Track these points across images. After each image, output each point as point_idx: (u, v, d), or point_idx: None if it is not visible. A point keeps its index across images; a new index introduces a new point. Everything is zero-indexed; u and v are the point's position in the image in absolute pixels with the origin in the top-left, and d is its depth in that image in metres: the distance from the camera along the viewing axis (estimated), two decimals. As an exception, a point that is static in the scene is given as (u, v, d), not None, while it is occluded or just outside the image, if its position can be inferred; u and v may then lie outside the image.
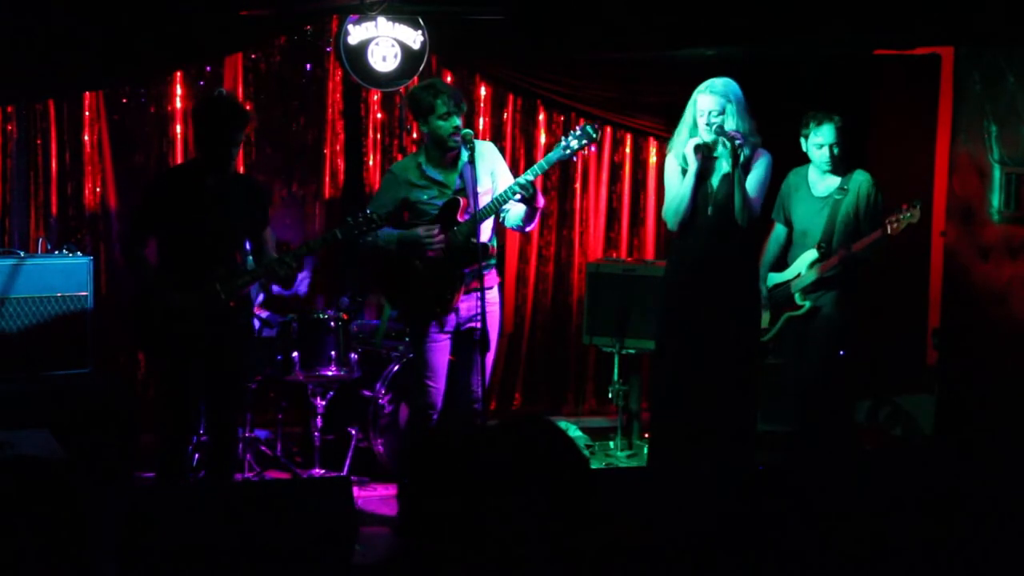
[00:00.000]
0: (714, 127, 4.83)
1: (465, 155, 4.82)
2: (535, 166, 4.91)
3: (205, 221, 4.68)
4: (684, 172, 4.96)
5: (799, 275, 5.30)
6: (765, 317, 5.43)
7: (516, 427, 1.97)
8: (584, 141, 4.87)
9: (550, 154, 4.94)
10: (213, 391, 4.79)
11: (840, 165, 5.26)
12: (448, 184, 4.95)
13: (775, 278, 5.42)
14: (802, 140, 5.32)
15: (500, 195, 4.82)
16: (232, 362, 4.79)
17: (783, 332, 5.39)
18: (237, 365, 4.85)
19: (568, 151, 4.87)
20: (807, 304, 5.28)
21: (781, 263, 5.45)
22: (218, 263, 4.72)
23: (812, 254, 5.25)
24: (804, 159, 5.40)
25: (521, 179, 4.81)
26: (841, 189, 5.26)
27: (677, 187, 4.97)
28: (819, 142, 5.23)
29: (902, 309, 6.89)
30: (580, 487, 1.88)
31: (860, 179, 5.28)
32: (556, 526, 1.84)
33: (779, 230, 5.48)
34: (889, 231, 5.14)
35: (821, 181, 5.34)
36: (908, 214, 5.13)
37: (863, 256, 5.21)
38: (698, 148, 4.89)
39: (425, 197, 4.95)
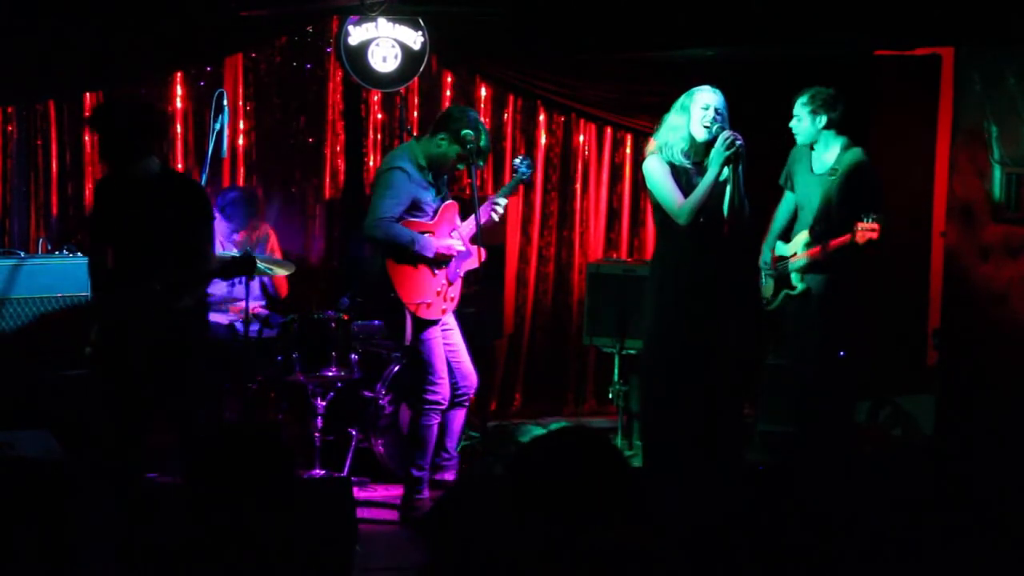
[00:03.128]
0: (715, 126, 4.81)
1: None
2: (504, 190, 5.47)
3: (135, 225, 4.49)
4: (674, 167, 4.92)
5: (795, 254, 5.32)
6: (769, 286, 5.45)
7: (561, 436, 2.00)
8: (527, 172, 5.48)
9: (508, 184, 5.53)
10: (165, 406, 4.58)
11: (821, 140, 5.27)
12: (440, 188, 5.25)
13: (780, 249, 5.42)
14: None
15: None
16: (176, 375, 4.55)
17: (779, 312, 5.41)
18: (182, 378, 4.59)
19: (524, 177, 5.49)
20: (800, 286, 5.31)
21: (790, 230, 5.47)
22: (154, 267, 4.48)
23: (807, 236, 5.27)
24: None
25: (503, 199, 5.35)
26: (832, 170, 5.26)
27: (673, 186, 4.91)
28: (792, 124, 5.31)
29: (902, 309, 6.89)
30: (626, 491, 1.91)
31: (847, 160, 5.22)
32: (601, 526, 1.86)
33: (788, 197, 5.47)
34: (856, 239, 5.00)
35: (819, 158, 5.33)
36: (862, 227, 4.99)
37: (839, 255, 5.16)
38: (728, 140, 4.73)
39: (428, 198, 5.16)
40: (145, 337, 4.50)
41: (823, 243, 5.17)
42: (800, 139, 5.31)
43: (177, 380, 4.55)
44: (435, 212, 5.21)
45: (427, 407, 5.14)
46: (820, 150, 5.30)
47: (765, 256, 5.50)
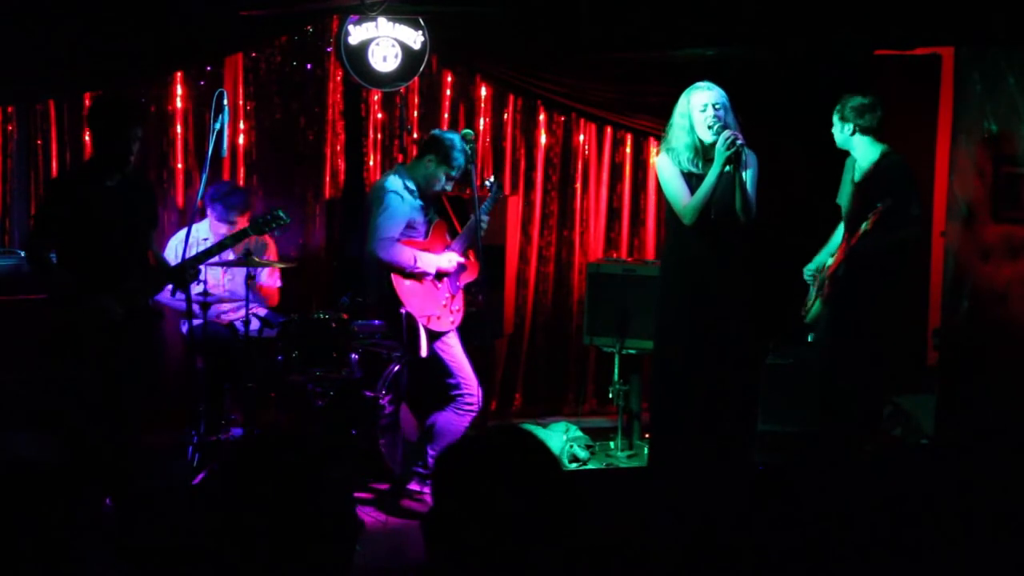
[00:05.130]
0: (717, 125, 4.81)
1: (463, 162, 5.36)
2: (484, 208, 5.60)
3: (112, 222, 4.62)
4: (683, 172, 4.94)
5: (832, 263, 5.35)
6: (811, 293, 5.46)
7: (491, 436, 1.98)
8: (500, 192, 5.92)
9: (485, 204, 5.63)
10: (118, 402, 4.66)
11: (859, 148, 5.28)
12: (428, 210, 5.50)
13: (829, 262, 5.44)
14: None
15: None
16: (142, 373, 4.76)
17: (817, 321, 5.41)
18: (146, 376, 4.82)
19: (497, 197, 5.86)
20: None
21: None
22: (132, 265, 4.70)
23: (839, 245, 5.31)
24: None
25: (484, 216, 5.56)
26: (864, 178, 5.28)
27: (680, 186, 4.93)
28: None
29: (902, 309, 6.88)
30: (557, 493, 1.88)
31: (883, 165, 5.25)
32: (535, 531, 1.84)
33: None
34: (868, 227, 5.07)
35: (859, 167, 5.33)
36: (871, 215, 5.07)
37: (860, 246, 5.19)
38: (729, 139, 4.74)
39: (420, 218, 5.41)
40: (124, 336, 4.61)
41: (848, 240, 5.20)
42: (837, 143, 5.32)
43: (140, 377, 4.71)
44: (426, 231, 5.46)
45: (462, 409, 5.38)
46: (859, 159, 5.31)
47: (810, 268, 5.48)
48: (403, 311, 5.27)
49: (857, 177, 5.31)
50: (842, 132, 5.27)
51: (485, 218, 5.58)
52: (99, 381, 4.61)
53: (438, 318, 5.35)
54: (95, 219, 4.60)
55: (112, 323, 4.57)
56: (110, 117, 4.62)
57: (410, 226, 5.35)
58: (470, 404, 5.37)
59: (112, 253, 4.64)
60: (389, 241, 5.22)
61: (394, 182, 5.33)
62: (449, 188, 5.49)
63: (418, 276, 5.32)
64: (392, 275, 5.27)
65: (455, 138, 5.38)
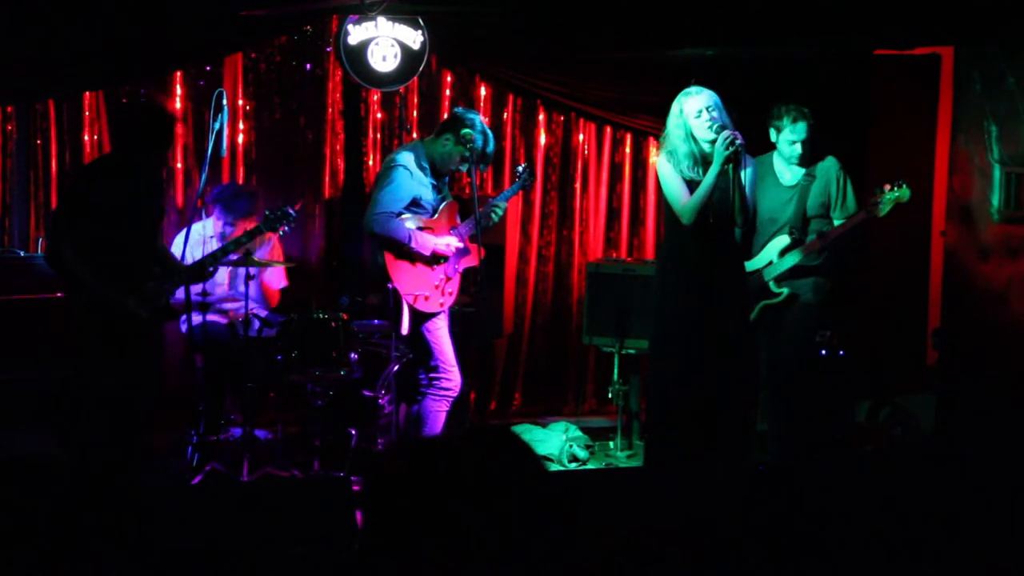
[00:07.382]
0: (715, 126, 4.80)
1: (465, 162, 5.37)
2: (504, 194, 5.77)
3: (135, 216, 4.62)
4: (682, 175, 4.93)
5: (771, 263, 5.36)
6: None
7: (476, 438, 1.96)
8: (530, 180, 5.94)
9: (509, 189, 5.84)
10: (134, 403, 4.68)
11: (808, 158, 5.42)
12: (441, 188, 5.48)
13: (749, 266, 5.46)
14: (772, 131, 5.45)
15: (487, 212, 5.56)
16: (154, 372, 4.79)
17: (757, 323, 5.44)
18: (156, 375, 4.85)
19: (525, 185, 5.89)
20: (784, 291, 5.36)
21: (746, 252, 5.52)
22: (150, 263, 4.71)
23: (783, 240, 5.32)
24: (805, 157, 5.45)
25: (502, 204, 5.59)
26: (808, 176, 5.38)
27: (680, 186, 4.92)
28: (792, 139, 5.37)
29: (902, 309, 6.89)
30: (539, 496, 1.87)
31: (828, 165, 5.41)
32: (518, 534, 1.83)
33: None
34: (875, 213, 5.21)
35: (788, 170, 5.46)
36: (894, 193, 5.17)
37: (844, 241, 5.29)
38: (728, 139, 4.72)
39: (430, 196, 5.38)
40: (152, 330, 4.63)
41: (820, 235, 5.27)
42: (792, 160, 5.43)
43: (154, 378, 4.75)
44: (435, 210, 5.42)
45: (439, 394, 5.36)
46: (785, 163, 5.41)
47: None
48: (390, 286, 5.26)
49: (793, 178, 5.42)
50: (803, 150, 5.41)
51: (503, 204, 5.59)
52: (119, 381, 4.59)
53: (426, 298, 5.30)
54: (118, 214, 4.58)
55: (138, 325, 4.57)
56: (137, 121, 4.65)
57: (416, 203, 5.30)
58: (447, 389, 5.36)
59: (133, 249, 4.64)
60: (387, 216, 5.19)
61: (406, 157, 5.31)
62: (464, 169, 5.45)
63: (412, 255, 5.29)
64: (386, 251, 5.24)
65: (476, 119, 5.37)
